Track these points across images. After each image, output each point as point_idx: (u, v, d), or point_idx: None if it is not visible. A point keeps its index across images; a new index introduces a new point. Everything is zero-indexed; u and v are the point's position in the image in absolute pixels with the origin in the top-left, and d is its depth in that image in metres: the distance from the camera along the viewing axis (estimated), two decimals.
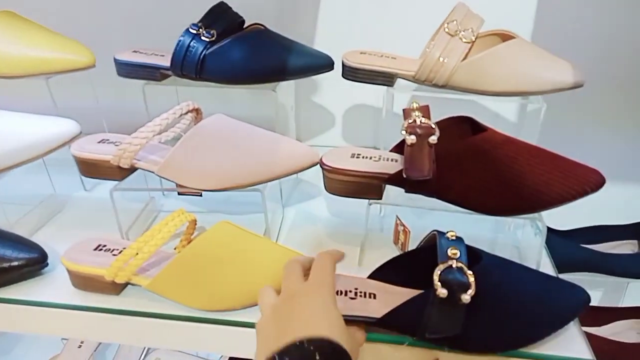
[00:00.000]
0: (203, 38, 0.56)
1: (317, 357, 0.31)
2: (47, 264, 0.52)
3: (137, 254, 0.46)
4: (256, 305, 0.47)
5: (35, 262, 0.51)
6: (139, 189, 0.56)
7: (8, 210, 0.59)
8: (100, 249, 0.51)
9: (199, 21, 0.57)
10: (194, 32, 0.56)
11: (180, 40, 0.56)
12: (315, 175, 0.56)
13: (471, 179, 0.44)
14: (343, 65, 0.56)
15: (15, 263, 0.50)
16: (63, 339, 0.81)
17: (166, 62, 0.59)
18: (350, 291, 0.45)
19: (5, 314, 0.50)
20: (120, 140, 0.55)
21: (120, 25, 0.74)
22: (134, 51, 0.61)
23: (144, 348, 0.80)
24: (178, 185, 0.53)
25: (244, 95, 0.63)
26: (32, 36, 0.60)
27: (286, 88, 0.66)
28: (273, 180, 0.51)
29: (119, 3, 0.73)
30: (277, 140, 0.53)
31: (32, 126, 0.55)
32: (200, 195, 0.55)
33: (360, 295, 0.44)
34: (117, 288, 0.49)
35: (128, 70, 0.59)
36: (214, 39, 0.56)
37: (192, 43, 0.56)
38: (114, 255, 0.50)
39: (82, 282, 0.50)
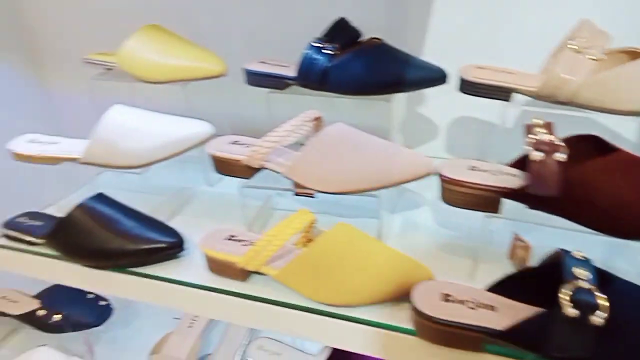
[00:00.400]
0: (326, 51, 0.60)
1: None
2: (184, 249, 0.59)
3: (268, 246, 0.52)
4: (371, 304, 0.50)
5: (175, 246, 0.58)
6: (265, 187, 0.61)
7: (148, 199, 0.67)
8: (231, 239, 0.57)
9: (323, 35, 0.61)
10: (318, 46, 0.61)
11: (305, 53, 0.61)
12: (419, 185, 0.58)
13: (603, 200, 0.44)
14: (461, 79, 0.58)
15: (160, 245, 0.58)
16: (175, 318, 0.91)
17: (290, 72, 0.64)
18: (469, 301, 0.46)
19: (149, 288, 0.58)
20: (249, 142, 0.61)
21: (241, 36, 0.81)
22: (261, 62, 0.67)
23: (249, 333, 0.87)
24: (297, 186, 0.58)
25: (357, 104, 0.67)
26: (173, 47, 0.69)
27: (397, 98, 0.68)
28: (391, 186, 0.54)
29: (242, 17, 0.80)
30: (395, 149, 0.56)
31: (175, 126, 0.63)
32: (314, 197, 0.60)
33: (480, 307, 0.45)
34: (245, 275, 0.55)
35: (256, 79, 0.65)
36: (336, 52, 0.60)
37: (316, 56, 0.60)
38: (243, 245, 0.56)
39: (216, 266, 0.56)
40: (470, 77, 0.56)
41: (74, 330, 0.87)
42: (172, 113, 0.67)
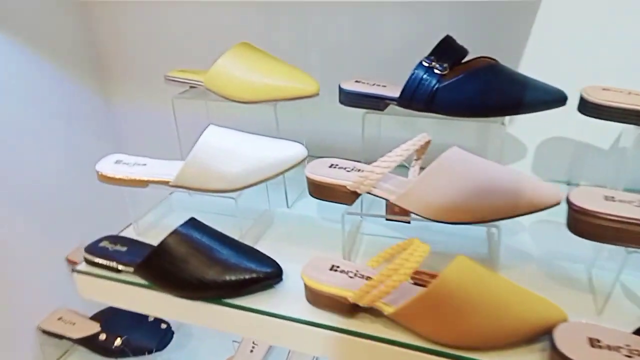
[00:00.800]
0: (436, 71, 0.57)
1: None
2: (282, 279, 0.56)
3: (387, 281, 0.48)
4: (501, 347, 0.46)
5: (275, 276, 0.55)
6: (367, 214, 0.58)
7: (232, 223, 0.63)
8: (335, 270, 0.53)
9: (430, 54, 0.58)
10: (427, 65, 0.57)
11: (414, 73, 0.57)
12: None
13: None
14: (584, 100, 0.54)
15: (259, 275, 0.54)
16: (234, 341, 0.87)
17: (390, 92, 0.61)
18: (622, 347, 0.42)
19: (244, 320, 0.54)
20: (348, 166, 0.58)
21: (321, 54, 0.78)
22: (357, 81, 0.64)
23: None
24: (402, 212, 0.54)
25: (467, 126, 0.63)
26: (265, 65, 0.65)
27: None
28: (515, 217, 0.50)
29: (326, 38, 0.77)
30: (517, 176, 0.52)
31: (270, 149, 0.59)
32: (409, 223, 0.56)
33: (636, 354, 0.41)
34: (353, 310, 0.51)
35: (353, 99, 0.62)
36: (446, 72, 0.57)
37: (425, 76, 0.57)
38: (350, 277, 0.52)
39: (318, 299, 0.52)
40: (597, 100, 0.53)
41: (135, 355, 0.83)
42: (249, 131, 0.64)
